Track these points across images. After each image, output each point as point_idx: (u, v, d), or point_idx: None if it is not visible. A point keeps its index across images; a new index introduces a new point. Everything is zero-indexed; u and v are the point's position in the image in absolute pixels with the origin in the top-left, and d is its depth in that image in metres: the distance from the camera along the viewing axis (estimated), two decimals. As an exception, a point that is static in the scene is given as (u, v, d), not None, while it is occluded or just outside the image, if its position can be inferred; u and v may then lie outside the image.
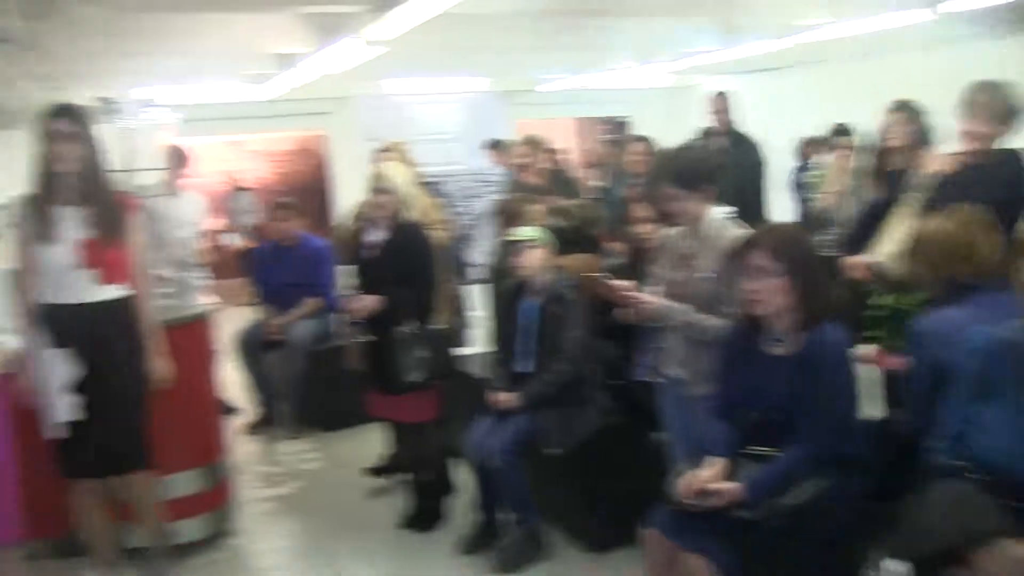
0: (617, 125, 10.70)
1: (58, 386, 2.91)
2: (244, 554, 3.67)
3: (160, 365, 3.05)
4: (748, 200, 4.98)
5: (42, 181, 2.90)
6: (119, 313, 2.97)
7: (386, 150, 4.81)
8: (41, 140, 2.87)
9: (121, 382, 2.98)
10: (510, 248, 3.54)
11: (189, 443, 3.57)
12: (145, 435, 3.07)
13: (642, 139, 5.43)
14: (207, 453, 3.69)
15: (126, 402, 3.00)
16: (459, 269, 5.07)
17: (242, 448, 4.75)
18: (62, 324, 2.91)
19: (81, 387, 2.92)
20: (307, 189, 9.92)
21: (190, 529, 3.55)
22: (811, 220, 5.80)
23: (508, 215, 4.10)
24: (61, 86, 5.28)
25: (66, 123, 2.86)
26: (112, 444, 2.98)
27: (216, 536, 3.67)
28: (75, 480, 3.04)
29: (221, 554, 3.60)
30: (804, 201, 6.78)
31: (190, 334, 3.59)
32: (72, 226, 2.88)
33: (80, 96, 4.10)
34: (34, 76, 5.01)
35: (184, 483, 3.52)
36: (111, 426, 2.96)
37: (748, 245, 2.47)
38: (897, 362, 2.94)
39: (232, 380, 4.99)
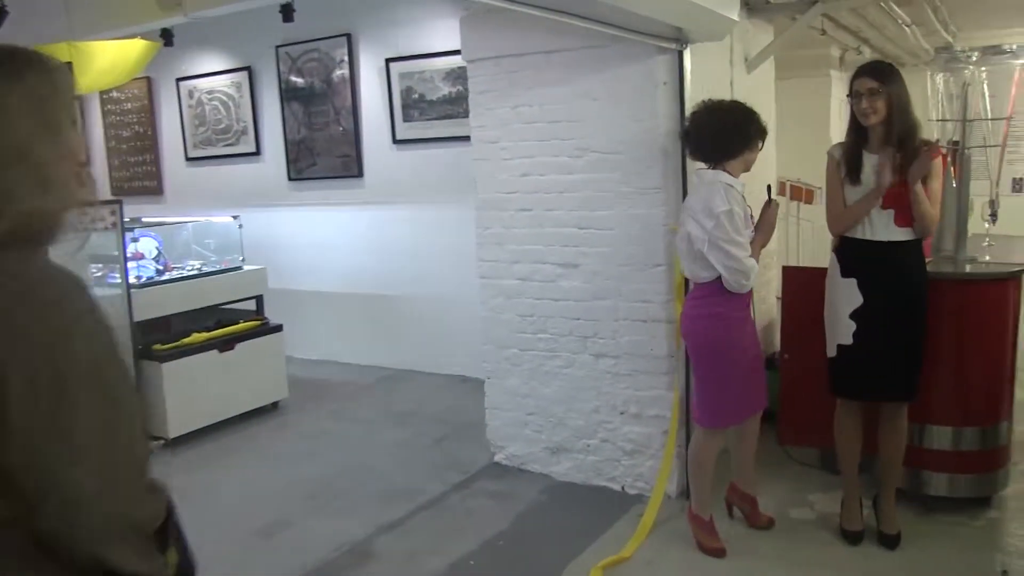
0: None
1: (844, 311, 3.21)
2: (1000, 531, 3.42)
3: None
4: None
5: (852, 130, 3.18)
6: (909, 254, 3.16)
7: None
8: (852, 97, 3.11)
9: (899, 318, 3.15)
10: None
11: (974, 400, 3.50)
12: (916, 371, 3.21)
13: None
14: (990, 414, 3.52)
15: (902, 336, 3.17)
16: None
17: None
18: (855, 256, 3.20)
19: (860, 315, 3.17)
20: None
21: (955, 485, 3.51)
22: None
23: None
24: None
25: (869, 80, 3.05)
26: (883, 372, 3.18)
27: (979, 500, 3.54)
28: (841, 398, 3.33)
29: (975, 522, 3.45)
30: None
31: (999, 291, 3.50)
32: (876, 171, 3.09)
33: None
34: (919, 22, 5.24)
35: (961, 438, 3.49)
36: (884, 354, 3.16)
37: None
38: None
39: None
